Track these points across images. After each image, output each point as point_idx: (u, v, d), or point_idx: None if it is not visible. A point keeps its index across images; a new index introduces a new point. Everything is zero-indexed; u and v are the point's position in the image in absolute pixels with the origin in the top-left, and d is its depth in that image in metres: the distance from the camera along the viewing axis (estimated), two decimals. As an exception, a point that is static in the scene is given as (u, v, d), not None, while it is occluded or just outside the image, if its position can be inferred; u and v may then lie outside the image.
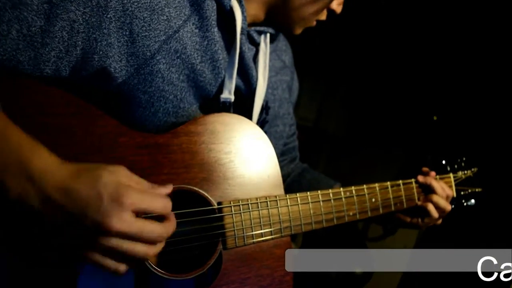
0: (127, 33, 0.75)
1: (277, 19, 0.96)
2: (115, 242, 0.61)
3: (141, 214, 0.63)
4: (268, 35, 0.99)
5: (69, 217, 0.59)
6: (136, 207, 0.61)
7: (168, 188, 0.69)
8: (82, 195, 0.58)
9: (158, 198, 0.66)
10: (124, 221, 0.59)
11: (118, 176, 0.62)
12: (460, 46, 1.95)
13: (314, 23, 1.01)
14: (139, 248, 0.63)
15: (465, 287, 1.89)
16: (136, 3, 0.75)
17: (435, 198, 1.15)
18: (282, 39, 1.17)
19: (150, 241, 0.64)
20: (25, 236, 0.65)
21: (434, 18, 2.00)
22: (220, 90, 0.91)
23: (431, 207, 1.15)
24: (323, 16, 1.00)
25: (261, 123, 1.05)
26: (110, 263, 0.63)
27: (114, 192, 0.59)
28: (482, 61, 1.87)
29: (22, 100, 0.70)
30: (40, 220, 0.61)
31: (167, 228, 0.67)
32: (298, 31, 1.00)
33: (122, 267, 0.64)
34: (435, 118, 2.01)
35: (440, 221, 1.20)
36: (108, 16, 0.73)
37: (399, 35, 2.16)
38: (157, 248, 0.67)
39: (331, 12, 0.99)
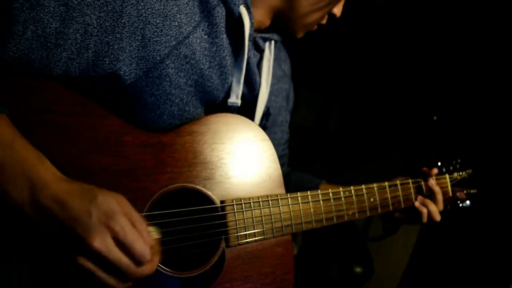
0: (139, 38, 0.76)
1: (282, 25, 0.98)
2: (90, 265, 0.63)
3: (120, 246, 0.64)
4: (273, 42, 1.01)
5: (58, 226, 0.62)
6: (120, 236, 0.63)
7: (153, 238, 0.69)
8: (74, 210, 0.62)
9: (143, 241, 0.66)
10: (105, 244, 0.62)
11: (112, 201, 0.64)
12: (458, 49, 1.96)
13: (316, 27, 1.03)
14: (111, 281, 0.64)
15: (465, 287, 1.91)
16: (150, 9, 0.77)
17: (432, 208, 1.18)
18: (282, 49, 1.20)
19: (122, 276, 0.65)
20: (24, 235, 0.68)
21: (433, 19, 2.01)
22: (227, 95, 0.93)
23: (424, 211, 1.18)
24: (324, 20, 1.03)
25: (262, 129, 1.06)
26: (90, 277, 0.64)
27: (104, 214, 0.63)
28: (481, 62, 1.89)
29: (30, 98, 0.71)
30: (32, 225, 0.63)
31: (144, 270, 0.67)
32: (301, 35, 1.03)
33: (99, 285, 0.65)
34: (435, 118, 2.02)
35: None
36: (122, 21, 0.74)
37: (399, 37, 2.18)
38: (129, 284, 0.67)
39: (331, 15, 1.02)
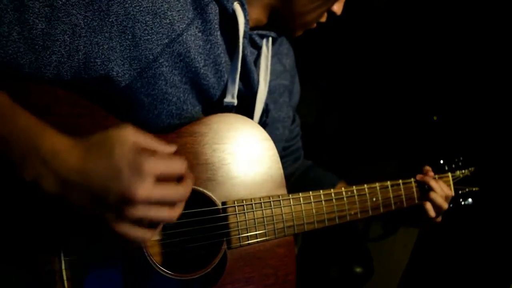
0: (129, 37, 0.75)
1: (278, 23, 0.96)
2: (141, 210, 0.61)
3: (160, 178, 0.63)
4: (270, 39, 0.99)
5: (91, 196, 0.59)
6: (155, 172, 0.61)
7: (173, 147, 0.70)
8: (100, 173, 0.59)
9: (173, 160, 0.66)
10: (147, 189, 0.60)
11: (129, 144, 0.61)
12: (458, 48, 1.96)
13: (315, 25, 1.01)
14: (164, 213, 0.64)
15: (465, 287, 1.91)
16: (138, 7, 0.75)
17: (432, 195, 1.17)
18: (284, 42, 1.18)
19: (172, 203, 0.66)
20: (46, 220, 0.66)
21: (432, 19, 2.01)
22: (223, 93, 0.92)
23: (428, 206, 1.17)
24: (323, 18, 1.01)
25: (262, 126, 1.06)
26: (138, 232, 0.63)
27: (131, 163, 0.59)
28: (481, 62, 1.89)
29: (28, 100, 0.70)
30: (60, 203, 0.61)
31: (187, 188, 0.68)
32: (299, 33, 1.01)
33: (149, 234, 0.65)
34: (435, 118, 2.02)
35: (439, 219, 1.21)
36: (110, 20, 0.73)
37: (398, 37, 2.18)
38: (179, 209, 0.67)
39: (331, 13, 0.99)
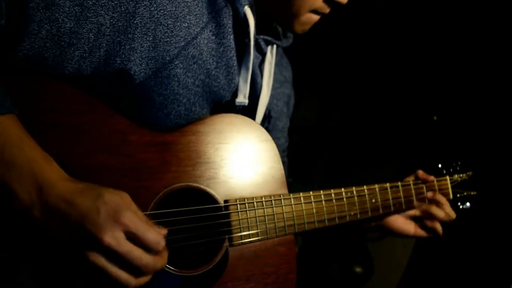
0: (151, 38, 0.78)
1: (272, 16, 0.94)
2: (102, 260, 0.63)
3: (133, 239, 0.64)
4: (274, 46, 1.01)
5: (67, 225, 0.62)
6: (130, 229, 0.63)
7: (164, 230, 0.70)
8: (83, 208, 0.62)
9: (154, 231, 0.67)
10: (115, 238, 0.62)
11: (118, 198, 0.65)
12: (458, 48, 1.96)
13: (306, 15, 0.91)
14: (123, 275, 0.64)
15: (465, 287, 1.91)
16: (162, 11, 0.78)
17: (433, 209, 1.17)
18: (284, 56, 1.20)
19: (136, 269, 0.65)
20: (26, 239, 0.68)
21: (432, 19, 2.01)
22: (233, 94, 0.94)
23: (438, 227, 1.18)
24: (325, 9, 0.92)
25: None
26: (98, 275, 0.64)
27: (112, 209, 0.63)
28: (481, 62, 1.89)
29: (35, 97, 0.72)
30: (40, 228, 0.63)
31: (156, 263, 0.67)
32: (297, 27, 0.94)
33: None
34: (435, 118, 2.02)
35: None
36: (135, 22, 0.76)
37: (398, 36, 2.18)
38: (141, 280, 0.67)
39: (336, 4, 0.91)
